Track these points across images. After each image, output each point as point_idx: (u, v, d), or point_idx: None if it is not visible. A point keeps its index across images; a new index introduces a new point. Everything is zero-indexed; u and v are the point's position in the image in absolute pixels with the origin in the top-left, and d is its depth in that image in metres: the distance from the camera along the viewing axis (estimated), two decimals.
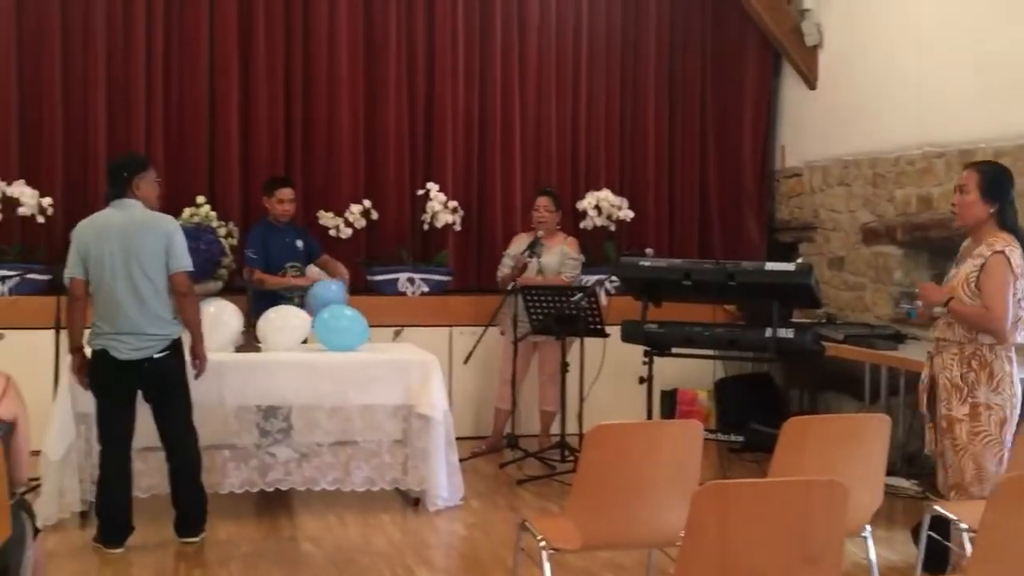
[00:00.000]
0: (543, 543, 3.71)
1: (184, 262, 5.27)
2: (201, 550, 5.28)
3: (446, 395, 6.07)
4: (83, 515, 5.61)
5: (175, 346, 5.26)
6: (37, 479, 5.38)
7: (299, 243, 6.89)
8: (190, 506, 5.36)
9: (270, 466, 5.91)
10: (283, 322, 6.07)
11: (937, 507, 4.24)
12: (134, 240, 5.17)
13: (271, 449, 5.98)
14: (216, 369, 5.59)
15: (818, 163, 8.28)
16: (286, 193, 6.86)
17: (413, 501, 6.06)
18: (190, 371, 5.35)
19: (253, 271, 6.70)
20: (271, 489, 5.90)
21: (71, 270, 5.19)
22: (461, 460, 6.20)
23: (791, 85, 8.69)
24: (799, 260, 7.16)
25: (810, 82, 8.40)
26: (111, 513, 5.22)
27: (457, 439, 6.15)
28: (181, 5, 7.83)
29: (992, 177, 4.54)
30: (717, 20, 8.92)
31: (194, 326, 5.32)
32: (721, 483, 2.95)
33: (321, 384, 5.84)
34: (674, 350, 6.44)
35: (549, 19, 8.60)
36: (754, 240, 8.76)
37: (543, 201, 7.41)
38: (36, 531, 3.65)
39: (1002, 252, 4.40)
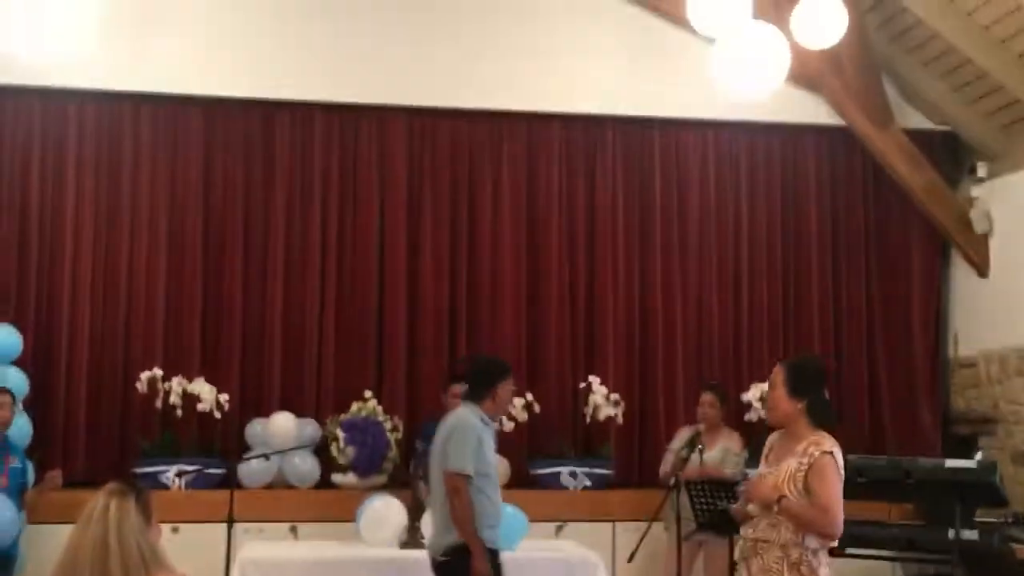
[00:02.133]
0: None
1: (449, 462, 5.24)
2: None
3: None
4: None
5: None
6: None
7: None
8: None
9: None
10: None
11: None
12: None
13: None
14: (379, 565, 5.62)
15: (994, 352, 7.98)
16: (456, 389, 6.78)
17: None
18: None
19: (419, 468, 6.73)
20: None
21: None
22: None
23: (962, 273, 8.50)
24: (980, 455, 6.83)
25: (981, 270, 8.20)
26: None
27: None
28: (355, 211, 8.22)
29: (798, 372, 4.45)
30: (880, 209, 8.82)
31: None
32: None
33: None
34: (848, 551, 6.15)
35: (709, 211, 8.67)
36: (928, 433, 8.42)
37: (708, 398, 7.29)
38: None
39: (830, 453, 4.27)
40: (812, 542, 4.25)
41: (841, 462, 4.31)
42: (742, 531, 4.53)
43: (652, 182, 8.59)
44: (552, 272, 8.40)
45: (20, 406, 6.71)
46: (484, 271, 8.34)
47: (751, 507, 4.46)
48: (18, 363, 7.17)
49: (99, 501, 3.49)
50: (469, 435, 5.21)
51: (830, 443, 4.31)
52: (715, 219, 8.68)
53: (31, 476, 6.46)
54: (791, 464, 4.32)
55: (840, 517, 4.23)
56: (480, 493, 5.17)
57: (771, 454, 4.51)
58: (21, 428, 6.78)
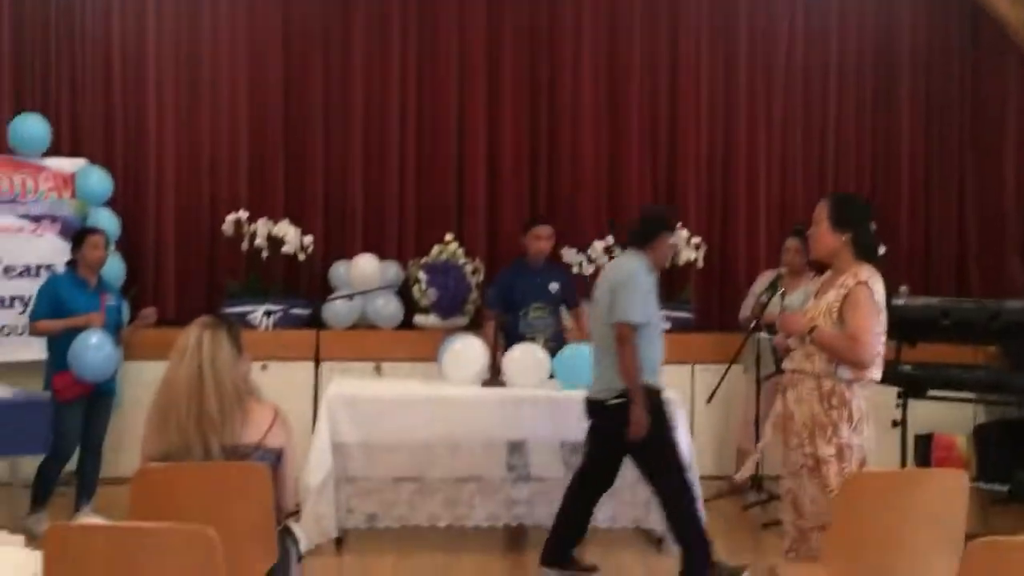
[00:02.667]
0: None
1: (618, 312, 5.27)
2: None
3: (689, 434, 5.99)
4: (338, 541, 5.85)
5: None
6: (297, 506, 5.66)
7: (553, 286, 6.81)
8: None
9: (515, 501, 5.99)
10: (527, 359, 6.15)
11: None
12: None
13: (516, 484, 6.06)
14: (463, 404, 5.76)
15: None
16: (542, 231, 6.79)
17: (656, 541, 6.01)
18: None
19: (486, 310, 6.83)
20: (515, 524, 5.97)
21: None
22: (705, 501, 6.08)
23: None
24: None
25: None
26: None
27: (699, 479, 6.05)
28: (433, 53, 8.15)
29: (842, 205, 4.39)
30: (977, 55, 8.50)
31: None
32: (995, 540, 2.76)
33: (563, 420, 5.87)
34: (931, 393, 6.14)
35: (796, 51, 8.46)
36: (1017, 278, 8.26)
37: (793, 244, 7.14)
38: (299, 556, 3.83)
39: (865, 283, 4.20)
40: (846, 373, 4.23)
41: (880, 294, 4.25)
42: (784, 364, 4.56)
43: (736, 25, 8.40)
44: (633, 117, 8.28)
45: (113, 247, 6.88)
46: (564, 114, 8.24)
47: (790, 340, 4.47)
48: (109, 204, 7.33)
49: (192, 334, 3.61)
50: (638, 286, 5.23)
51: (867, 273, 4.26)
52: (802, 54, 8.46)
53: (126, 314, 6.67)
54: (830, 296, 4.30)
55: (871, 346, 4.19)
56: (645, 341, 5.24)
57: (819, 291, 4.48)
58: (115, 268, 6.98)
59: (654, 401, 5.24)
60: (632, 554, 5.88)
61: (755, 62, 8.43)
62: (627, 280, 5.23)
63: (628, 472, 5.73)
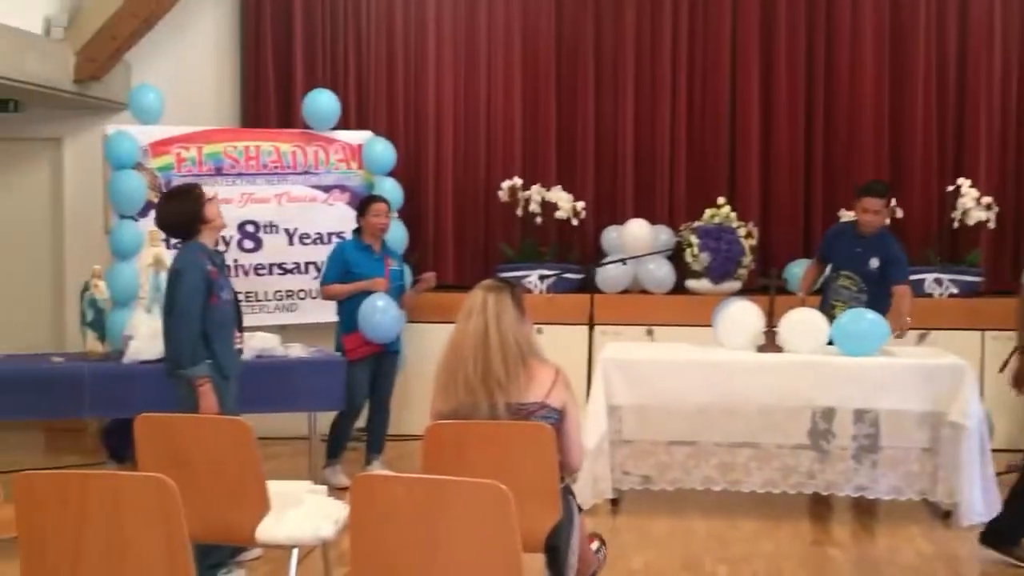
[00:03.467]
0: None
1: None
2: (725, 545, 5.37)
3: (980, 402, 5.68)
4: (613, 502, 5.93)
5: None
6: None
7: (873, 261, 6.26)
8: None
9: (791, 468, 5.88)
10: (805, 324, 5.99)
11: None
12: None
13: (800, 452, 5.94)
14: (738, 368, 5.69)
15: None
16: (870, 203, 6.28)
17: (943, 514, 5.75)
18: None
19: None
20: (793, 492, 5.85)
21: None
22: (997, 474, 5.77)
23: None
24: None
25: None
26: None
27: (991, 451, 5.74)
28: (705, 15, 8.03)
29: None
30: None
31: None
32: None
33: (843, 387, 5.70)
34: None
35: None
36: None
37: None
38: (580, 512, 3.91)
39: None
40: None
41: None
42: None
43: None
44: (918, 66, 7.86)
45: (395, 214, 7.20)
46: (843, 62, 7.95)
47: None
48: (392, 174, 7.67)
49: (477, 297, 3.74)
50: None
51: None
52: None
53: (408, 278, 6.97)
54: None
55: None
56: None
57: None
58: (397, 235, 7.31)
59: None
60: (918, 528, 5.65)
61: None
62: None
63: (915, 443, 5.53)
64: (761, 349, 5.96)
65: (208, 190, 4.93)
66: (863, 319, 5.91)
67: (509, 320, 3.69)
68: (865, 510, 5.96)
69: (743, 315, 6.05)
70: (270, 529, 3.75)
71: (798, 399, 5.82)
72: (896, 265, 6.29)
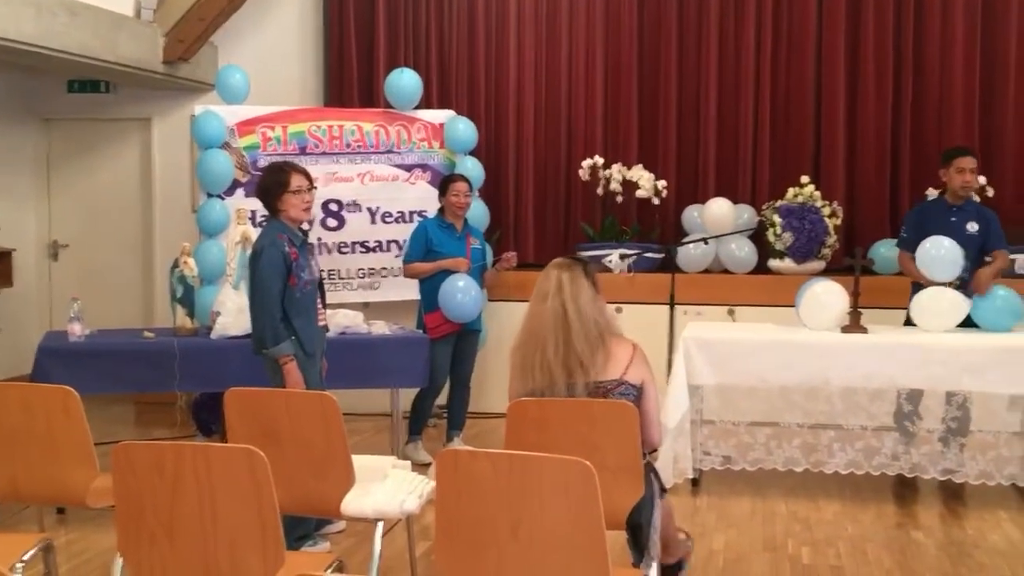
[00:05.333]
0: None
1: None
2: (807, 526, 5.32)
3: None
4: (694, 482, 5.91)
5: None
6: None
7: (971, 225, 6.11)
8: None
9: (875, 450, 5.80)
10: (938, 303, 5.87)
11: None
12: None
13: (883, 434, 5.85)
14: (822, 348, 5.63)
15: None
16: (965, 162, 6.12)
17: None
18: None
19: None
20: (877, 473, 5.78)
21: None
22: None
23: None
24: None
25: None
26: None
27: None
28: None
29: None
30: None
31: None
32: None
33: (931, 368, 5.60)
34: None
35: None
36: None
37: None
38: (663, 493, 3.90)
39: None
40: None
41: None
42: None
43: None
44: (1010, 49, 7.67)
45: (477, 193, 7.23)
46: (931, 47, 7.79)
47: None
48: (474, 154, 7.70)
49: (551, 276, 3.74)
50: None
51: None
52: None
53: (489, 257, 7.00)
54: None
55: None
56: None
57: None
58: (479, 213, 7.34)
59: None
60: (1006, 513, 5.54)
61: None
62: None
63: (1006, 426, 5.42)
64: (845, 330, 5.89)
65: (302, 182, 4.86)
66: (998, 295, 5.86)
67: (586, 299, 3.69)
68: (952, 494, 5.87)
69: (827, 295, 5.97)
70: (356, 502, 3.81)
71: (883, 380, 5.73)
72: (993, 225, 6.20)
